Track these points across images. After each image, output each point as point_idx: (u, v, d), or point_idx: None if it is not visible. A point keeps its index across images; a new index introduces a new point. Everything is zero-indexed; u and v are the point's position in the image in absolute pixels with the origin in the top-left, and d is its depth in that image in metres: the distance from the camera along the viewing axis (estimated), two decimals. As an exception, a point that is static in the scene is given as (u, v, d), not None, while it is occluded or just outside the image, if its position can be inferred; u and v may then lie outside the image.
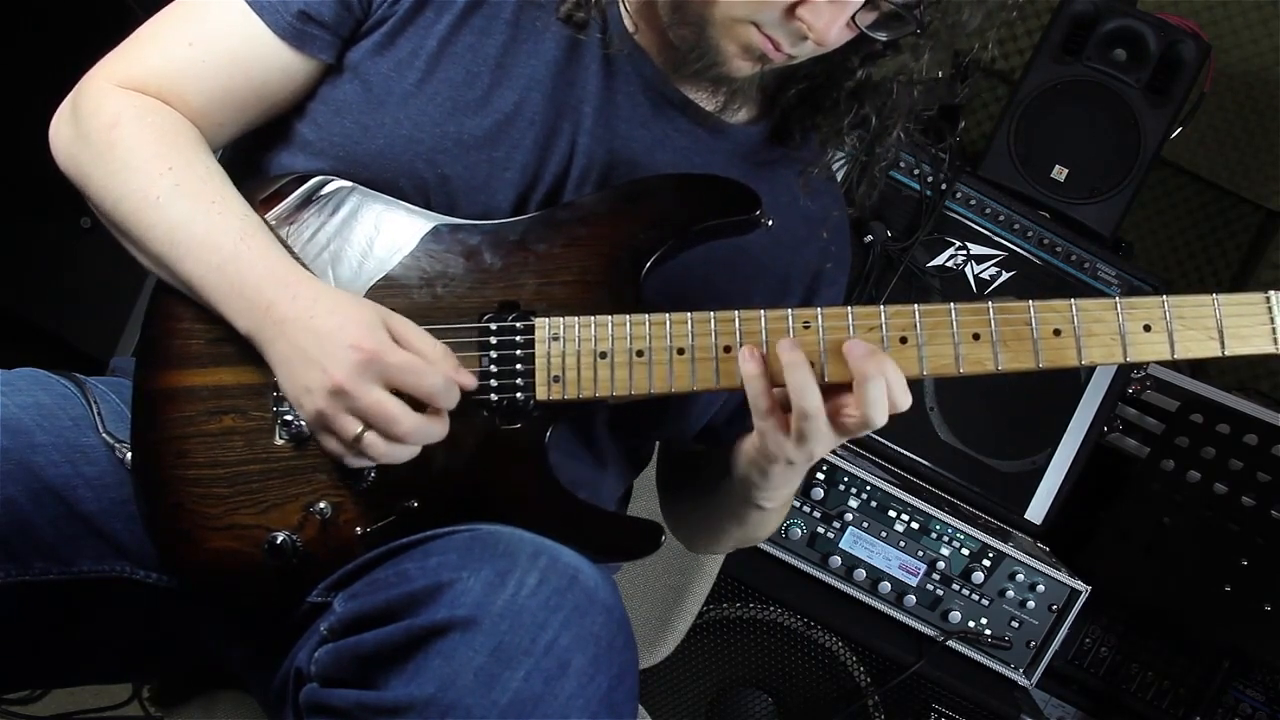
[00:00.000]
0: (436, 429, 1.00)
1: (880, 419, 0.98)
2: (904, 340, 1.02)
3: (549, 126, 1.14)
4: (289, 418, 1.04)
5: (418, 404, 0.99)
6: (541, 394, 1.05)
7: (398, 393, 0.98)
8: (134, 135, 1.07)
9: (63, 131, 1.12)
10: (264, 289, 1.01)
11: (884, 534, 2.06)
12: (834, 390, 1.00)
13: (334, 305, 1.00)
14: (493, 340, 1.05)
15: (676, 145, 1.19)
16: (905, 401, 0.99)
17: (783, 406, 1.01)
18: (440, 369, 0.99)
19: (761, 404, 1.01)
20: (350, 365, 0.96)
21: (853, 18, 1.07)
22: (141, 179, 1.05)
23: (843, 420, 0.99)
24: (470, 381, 1.02)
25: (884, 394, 0.97)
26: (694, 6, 1.10)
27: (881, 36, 1.11)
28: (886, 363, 0.98)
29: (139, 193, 1.05)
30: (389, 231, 1.09)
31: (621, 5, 1.18)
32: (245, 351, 1.04)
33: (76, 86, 1.13)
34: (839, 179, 1.37)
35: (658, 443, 1.40)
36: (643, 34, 1.19)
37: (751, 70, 1.14)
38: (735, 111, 1.22)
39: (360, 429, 0.97)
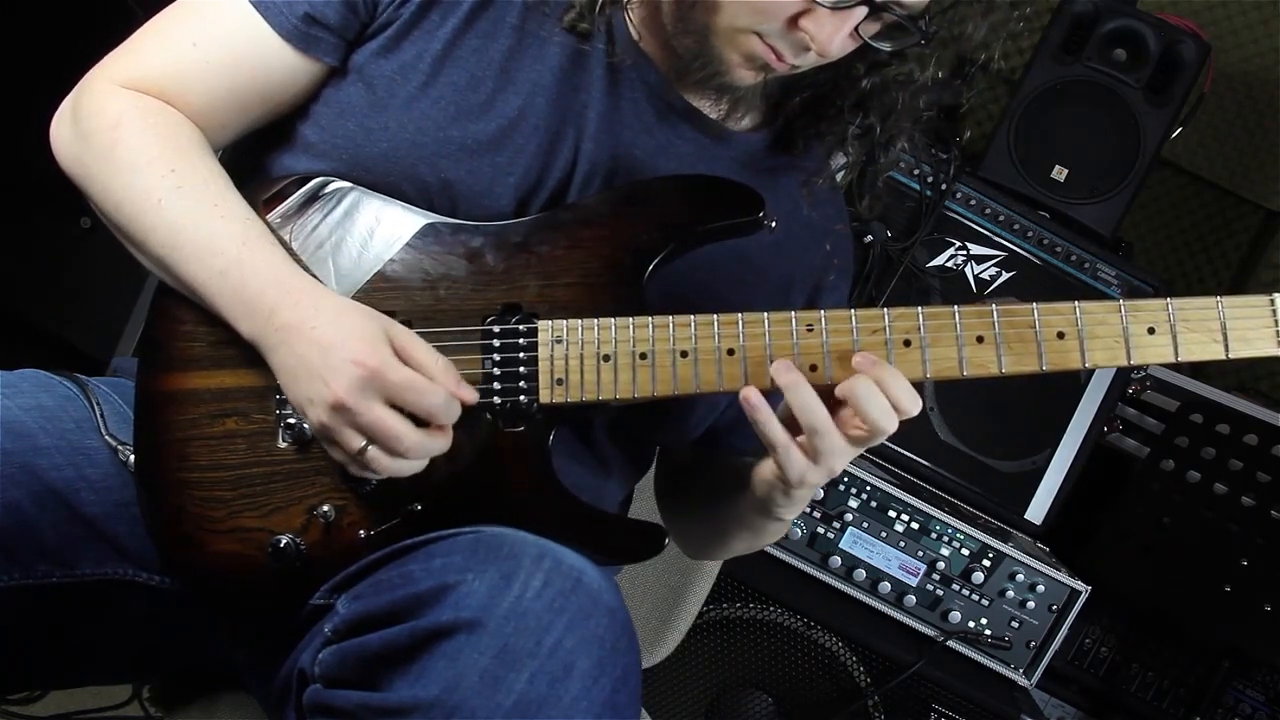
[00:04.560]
0: (438, 444, 1.00)
1: (886, 423, 0.98)
2: (907, 343, 1.02)
3: (553, 132, 1.14)
4: (291, 421, 1.04)
5: (420, 418, 0.98)
6: (545, 397, 1.04)
7: (400, 407, 0.98)
8: (136, 136, 1.07)
9: (64, 131, 1.11)
10: (266, 295, 1.01)
11: (884, 534, 2.06)
12: (838, 404, 1.00)
13: (336, 315, 1.00)
14: (495, 343, 1.05)
15: (680, 152, 1.19)
16: (911, 404, 0.99)
17: (794, 432, 1.01)
18: (441, 385, 0.99)
19: (777, 440, 1.01)
20: (351, 381, 0.96)
21: (856, 28, 1.07)
22: (144, 181, 1.05)
23: (853, 432, 1.00)
24: (471, 397, 1.01)
25: (878, 395, 0.98)
26: (697, 15, 1.10)
27: (886, 47, 1.11)
28: (882, 368, 0.99)
29: (141, 195, 1.05)
30: (389, 223, 1.09)
31: (626, 14, 1.18)
32: (247, 354, 1.04)
33: (78, 85, 1.12)
34: (839, 181, 1.37)
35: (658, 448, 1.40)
36: (647, 42, 1.18)
37: (754, 79, 1.13)
38: (739, 119, 1.22)
39: (363, 444, 0.97)
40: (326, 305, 1.00)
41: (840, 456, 1.01)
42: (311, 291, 1.02)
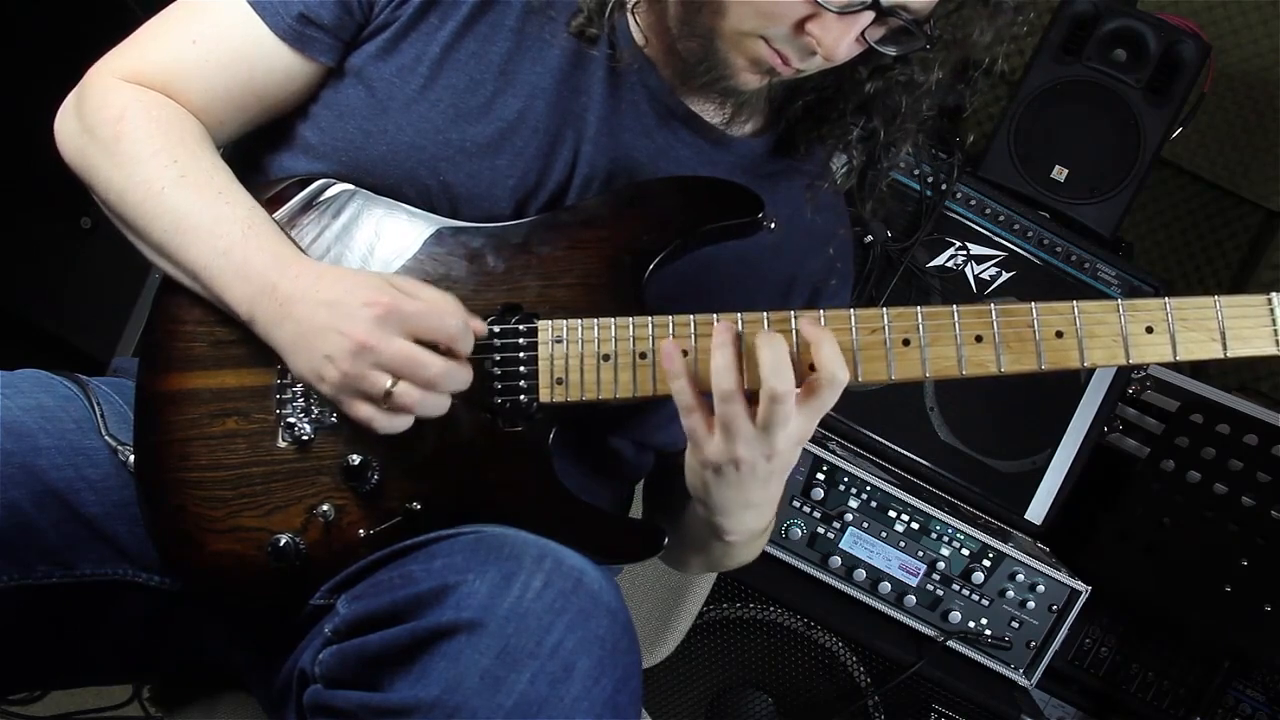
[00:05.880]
0: (462, 374, 1.00)
1: (841, 372, 0.95)
2: (906, 342, 1.02)
3: (552, 135, 1.14)
4: (291, 420, 1.04)
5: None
6: (545, 396, 1.05)
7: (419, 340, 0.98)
8: (141, 128, 1.07)
9: (68, 125, 1.12)
10: (268, 272, 1.01)
11: (884, 534, 2.06)
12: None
13: (338, 276, 1.01)
14: (495, 343, 1.05)
15: (679, 156, 1.19)
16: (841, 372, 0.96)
17: (706, 406, 0.98)
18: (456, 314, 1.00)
19: (686, 398, 0.98)
20: (369, 320, 0.96)
21: (862, 33, 1.07)
22: (147, 170, 1.06)
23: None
24: (481, 328, 1.02)
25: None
26: (703, 19, 1.10)
27: (891, 51, 1.11)
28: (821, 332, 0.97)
29: (145, 184, 1.06)
30: (390, 237, 1.09)
31: (631, 18, 1.18)
32: (248, 354, 1.05)
33: (82, 80, 1.14)
34: (840, 184, 1.36)
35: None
36: (651, 46, 1.18)
37: (759, 83, 1.13)
38: (742, 124, 1.22)
39: (390, 382, 0.96)
40: (328, 274, 1.01)
41: (743, 439, 0.96)
42: (313, 266, 1.03)
